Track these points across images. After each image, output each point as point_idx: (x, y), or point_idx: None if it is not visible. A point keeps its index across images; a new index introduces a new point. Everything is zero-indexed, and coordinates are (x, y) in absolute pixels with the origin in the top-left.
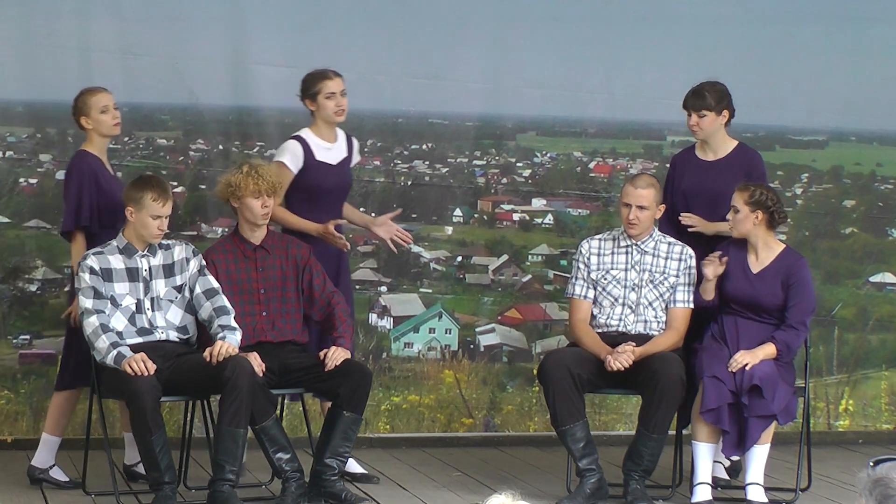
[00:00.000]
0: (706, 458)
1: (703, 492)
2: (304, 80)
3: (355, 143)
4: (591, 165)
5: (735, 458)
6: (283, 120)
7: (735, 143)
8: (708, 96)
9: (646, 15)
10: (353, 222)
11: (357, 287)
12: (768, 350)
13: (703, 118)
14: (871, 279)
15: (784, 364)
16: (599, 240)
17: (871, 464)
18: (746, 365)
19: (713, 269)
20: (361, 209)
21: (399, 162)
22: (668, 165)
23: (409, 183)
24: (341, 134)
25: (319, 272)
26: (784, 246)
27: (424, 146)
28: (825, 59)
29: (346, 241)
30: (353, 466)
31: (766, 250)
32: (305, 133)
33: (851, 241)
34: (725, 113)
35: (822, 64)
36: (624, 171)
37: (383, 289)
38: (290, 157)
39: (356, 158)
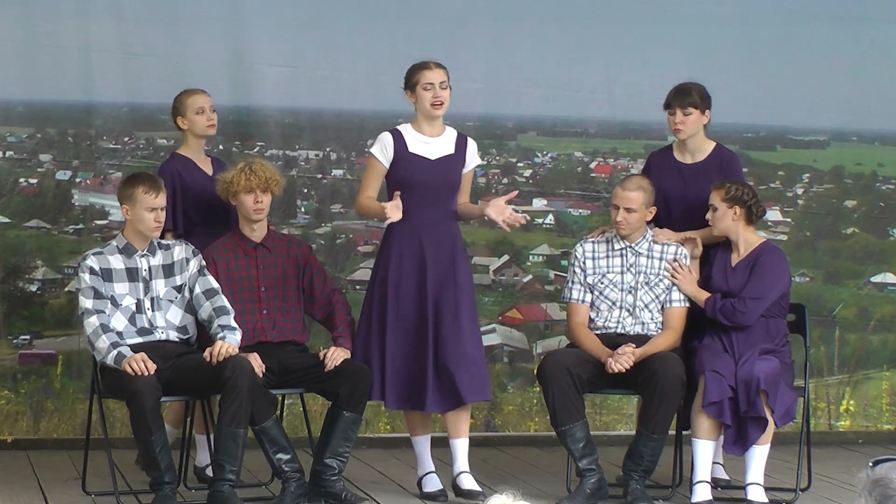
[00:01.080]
0: (706, 456)
1: (702, 491)
2: (407, 71)
3: (471, 143)
4: (592, 165)
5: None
6: (283, 120)
7: (713, 144)
8: (694, 93)
9: (646, 15)
10: (470, 216)
11: (357, 287)
12: (700, 296)
13: (688, 116)
14: (873, 279)
15: (784, 367)
16: (593, 242)
17: (871, 464)
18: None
19: (690, 247)
20: None
21: None
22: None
23: None
24: (451, 132)
25: (320, 271)
26: (764, 239)
27: None
28: (826, 58)
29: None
30: (468, 482)
31: (746, 245)
32: (403, 126)
33: (852, 241)
34: (708, 113)
35: (822, 64)
36: (625, 171)
37: None
38: (379, 147)
39: (473, 161)
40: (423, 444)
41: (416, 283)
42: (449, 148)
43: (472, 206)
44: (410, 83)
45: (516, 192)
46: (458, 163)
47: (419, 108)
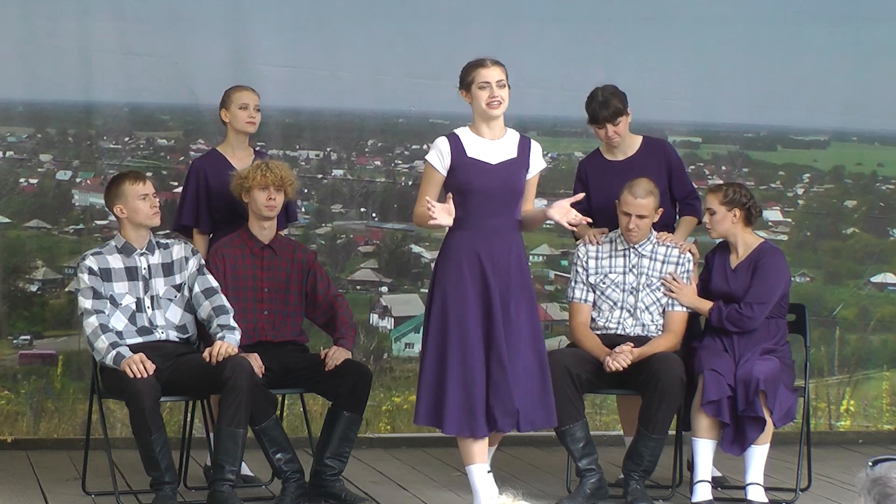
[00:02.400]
0: (706, 456)
1: (703, 490)
2: (462, 70)
3: (534, 146)
4: None
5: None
6: (283, 120)
7: (639, 137)
8: (614, 101)
9: (647, 15)
10: (533, 223)
11: (358, 287)
12: (702, 306)
13: (618, 125)
14: (873, 279)
15: (785, 367)
16: (597, 242)
17: (870, 463)
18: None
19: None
20: (362, 209)
21: (400, 162)
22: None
23: (410, 183)
24: (513, 134)
25: (323, 276)
26: (762, 240)
27: (425, 146)
28: (826, 58)
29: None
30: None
31: (745, 247)
32: (461, 129)
33: (853, 241)
34: (629, 111)
35: (823, 64)
36: None
37: (384, 289)
38: (435, 154)
39: (538, 165)
40: (480, 472)
41: (475, 297)
42: (511, 151)
43: (533, 211)
44: (465, 82)
45: (583, 195)
46: (521, 167)
47: (475, 108)
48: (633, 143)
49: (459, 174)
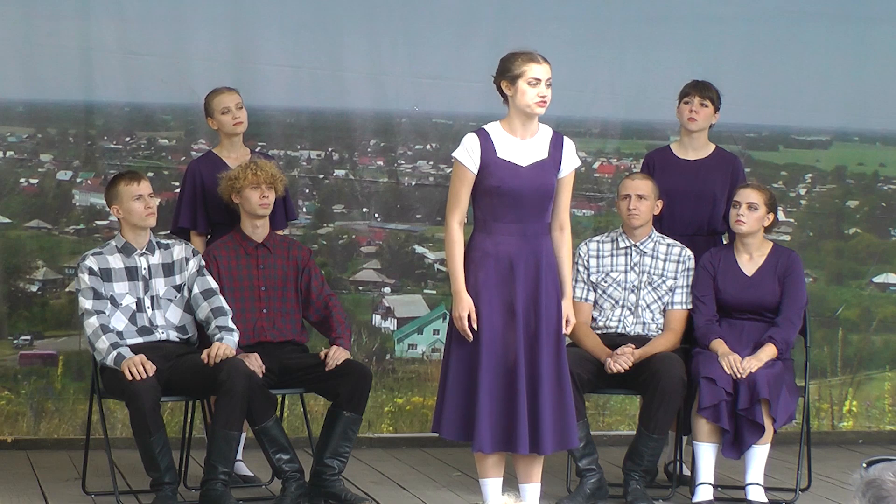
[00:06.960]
0: (707, 459)
1: (704, 492)
2: (506, 59)
3: (567, 145)
4: (596, 166)
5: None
6: (284, 120)
7: (713, 145)
8: (713, 89)
9: (649, 14)
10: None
11: (360, 288)
12: (770, 351)
13: (704, 108)
14: (875, 280)
15: (786, 368)
16: (598, 241)
17: (864, 465)
18: (752, 367)
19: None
20: (364, 210)
21: (402, 162)
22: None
23: (413, 183)
24: (546, 131)
25: (318, 275)
26: (772, 244)
27: (428, 146)
28: (828, 58)
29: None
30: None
31: (759, 251)
32: (491, 125)
33: (855, 241)
34: (717, 115)
35: (825, 64)
36: (628, 171)
37: (387, 290)
38: (463, 151)
39: (571, 164)
40: (494, 487)
41: (499, 306)
42: (542, 152)
43: (564, 277)
44: (511, 74)
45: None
46: (552, 168)
47: (517, 102)
48: (706, 148)
49: (489, 175)
